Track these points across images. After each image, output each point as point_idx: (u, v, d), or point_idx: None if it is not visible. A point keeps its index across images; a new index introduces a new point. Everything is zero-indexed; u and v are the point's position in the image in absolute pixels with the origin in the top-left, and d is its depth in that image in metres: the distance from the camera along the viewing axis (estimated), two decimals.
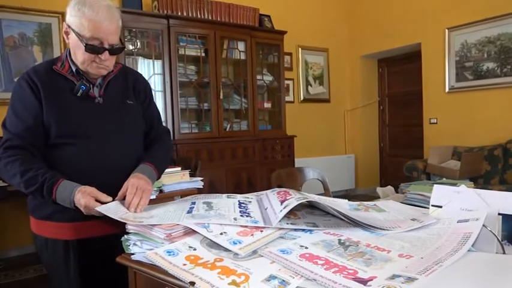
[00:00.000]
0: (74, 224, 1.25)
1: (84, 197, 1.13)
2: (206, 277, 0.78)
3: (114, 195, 1.20)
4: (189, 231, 1.01)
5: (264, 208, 1.18)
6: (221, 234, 0.98)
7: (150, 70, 3.89)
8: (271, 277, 0.77)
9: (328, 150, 5.83)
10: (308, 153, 5.43)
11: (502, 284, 0.72)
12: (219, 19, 4.30)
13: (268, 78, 4.81)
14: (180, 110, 3.99)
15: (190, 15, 4.10)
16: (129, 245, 1.04)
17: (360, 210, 1.24)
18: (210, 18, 4.23)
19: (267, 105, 4.84)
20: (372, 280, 0.73)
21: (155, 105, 1.55)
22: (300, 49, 5.52)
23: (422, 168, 4.23)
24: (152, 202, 1.31)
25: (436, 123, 4.91)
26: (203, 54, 4.20)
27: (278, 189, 1.27)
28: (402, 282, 0.71)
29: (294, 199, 1.08)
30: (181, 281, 0.79)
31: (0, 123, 1.29)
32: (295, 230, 1.05)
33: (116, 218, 1.07)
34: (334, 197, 1.56)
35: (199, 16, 4.16)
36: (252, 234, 0.99)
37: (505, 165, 4.04)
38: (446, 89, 4.74)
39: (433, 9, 4.81)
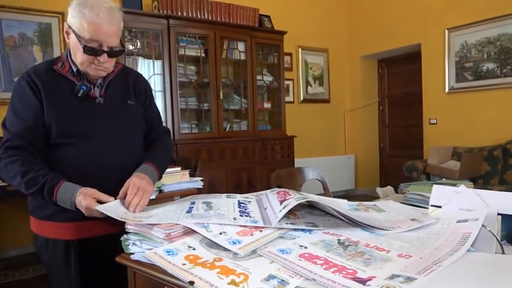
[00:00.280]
0: (75, 223, 1.25)
1: (86, 198, 1.14)
2: (205, 277, 0.78)
3: (114, 195, 1.20)
4: (189, 231, 1.01)
5: (263, 208, 1.18)
6: (220, 234, 0.98)
7: (150, 70, 3.89)
8: (271, 277, 0.77)
9: (328, 150, 5.83)
10: (308, 154, 5.43)
11: (501, 284, 0.72)
12: (219, 19, 4.30)
13: (268, 78, 4.82)
14: (180, 110, 3.99)
15: (190, 15, 4.10)
16: (128, 245, 1.04)
17: (359, 210, 1.24)
18: (210, 18, 4.24)
19: (267, 105, 4.84)
20: (371, 280, 0.73)
21: (155, 106, 1.56)
22: (299, 49, 5.52)
23: (422, 168, 4.23)
24: (152, 202, 1.31)
25: (436, 123, 4.91)
26: (203, 55, 4.20)
27: (278, 189, 1.27)
28: (401, 282, 0.71)
29: (294, 199, 1.08)
30: (180, 280, 0.79)
31: (0, 123, 1.29)
32: (295, 230, 1.05)
33: (116, 218, 1.08)
34: (334, 197, 1.56)
35: (199, 16, 4.17)
36: (252, 234, 0.99)
37: (504, 166, 4.04)
38: (446, 90, 4.75)
39: (433, 9, 4.82)
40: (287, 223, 1.07)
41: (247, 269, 0.81)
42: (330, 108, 5.89)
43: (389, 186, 1.75)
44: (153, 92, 3.75)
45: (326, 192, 2.21)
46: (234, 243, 0.93)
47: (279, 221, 1.04)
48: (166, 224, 1.02)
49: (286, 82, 5.14)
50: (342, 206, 1.27)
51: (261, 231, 1.01)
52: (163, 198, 1.94)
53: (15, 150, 1.19)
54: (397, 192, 1.70)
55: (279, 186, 1.91)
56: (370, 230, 1.04)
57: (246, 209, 1.17)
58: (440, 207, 1.11)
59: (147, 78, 3.78)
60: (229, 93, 4.45)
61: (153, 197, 1.89)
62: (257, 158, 4.46)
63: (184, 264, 0.85)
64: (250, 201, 1.27)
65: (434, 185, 1.16)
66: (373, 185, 5.85)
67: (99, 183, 1.21)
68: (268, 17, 4.86)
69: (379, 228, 1.03)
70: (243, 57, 4.47)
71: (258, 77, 4.64)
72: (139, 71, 3.76)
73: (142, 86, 1.48)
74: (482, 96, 4.42)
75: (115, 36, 1.24)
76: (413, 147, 5.40)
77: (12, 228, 3.43)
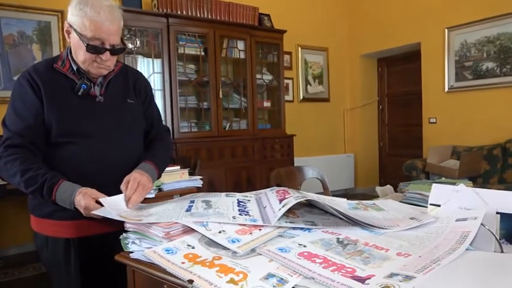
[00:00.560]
0: (75, 222, 1.26)
1: (85, 198, 1.14)
2: (204, 275, 0.78)
3: (114, 194, 1.20)
4: (188, 230, 1.01)
5: (262, 207, 1.18)
6: (220, 232, 0.98)
7: (149, 69, 3.89)
8: (270, 275, 0.77)
9: (328, 149, 5.83)
10: (307, 153, 5.44)
11: (500, 283, 0.72)
12: (218, 18, 4.29)
13: (267, 77, 4.81)
14: (180, 109, 3.99)
15: (189, 14, 4.10)
16: (127, 243, 1.04)
17: (359, 209, 1.25)
18: (209, 17, 4.23)
19: (267, 104, 4.84)
20: (370, 278, 0.73)
21: (155, 104, 1.56)
22: (299, 48, 5.51)
23: (421, 167, 4.23)
24: (151, 201, 1.31)
25: (436, 122, 4.91)
26: (203, 53, 4.19)
27: (277, 188, 1.27)
28: (400, 281, 0.71)
29: (293, 198, 1.08)
30: (179, 279, 0.79)
31: (0, 121, 1.29)
32: (294, 228, 1.05)
33: (115, 218, 1.08)
34: (333, 196, 1.56)
35: (198, 15, 4.16)
36: (251, 233, 0.99)
37: (504, 165, 4.05)
38: (446, 89, 4.75)
39: (432, 8, 4.81)
40: (286, 222, 1.07)
41: (246, 268, 0.81)
42: (329, 107, 5.89)
43: (388, 185, 1.75)
44: (153, 91, 3.76)
45: (325, 191, 2.21)
46: (233, 241, 0.93)
47: (278, 219, 1.04)
48: (166, 222, 1.02)
49: (286, 81, 5.14)
50: (341, 205, 1.27)
51: (260, 229, 1.01)
52: (162, 196, 1.94)
53: (15, 148, 1.19)
54: (396, 191, 1.70)
55: (278, 185, 1.91)
56: (369, 228, 1.04)
57: (245, 208, 1.18)
58: (439, 206, 1.11)
59: (146, 76, 3.77)
60: (228, 92, 4.45)
61: (152, 195, 1.89)
62: (257, 156, 4.46)
63: (183, 262, 0.85)
64: (249, 200, 1.27)
65: (433, 184, 1.16)
66: (372, 184, 5.85)
67: (99, 181, 1.21)
68: (268, 15, 4.85)
69: (378, 227, 1.03)
70: (242, 56, 4.47)
71: (258, 76, 4.64)
72: (138, 69, 3.77)
73: (142, 85, 1.48)
74: (482, 96, 4.42)
75: (116, 34, 1.25)
76: (412, 146, 5.40)
77: (11, 226, 3.43)
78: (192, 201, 1.23)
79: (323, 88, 5.82)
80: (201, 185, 2.13)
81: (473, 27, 4.43)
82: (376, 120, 6.16)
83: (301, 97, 5.57)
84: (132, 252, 1.00)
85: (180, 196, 1.69)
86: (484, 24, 4.34)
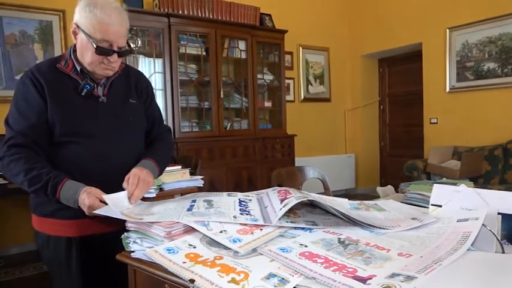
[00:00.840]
0: (77, 221, 1.26)
1: (89, 197, 1.15)
2: (206, 275, 0.78)
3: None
4: (189, 229, 1.02)
5: (264, 206, 1.19)
6: (221, 232, 0.98)
7: (150, 68, 3.89)
8: (271, 275, 0.77)
9: (329, 149, 5.83)
10: (308, 153, 5.44)
11: (501, 283, 0.72)
12: (219, 18, 4.29)
13: (268, 77, 4.81)
14: (181, 109, 3.99)
15: (191, 13, 4.10)
16: (129, 243, 1.04)
17: (360, 209, 1.25)
18: (210, 17, 4.23)
19: (268, 104, 4.84)
20: (371, 279, 0.73)
21: (156, 104, 1.57)
22: (300, 48, 5.51)
23: (422, 168, 4.23)
24: (152, 200, 1.31)
25: (437, 123, 4.90)
26: (204, 53, 4.19)
27: (279, 188, 1.28)
28: (401, 281, 0.71)
29: (294, 198, 1.08)
30: (181, 278, 0.80)
31: (1, 120, 1.30)
32: (295, 228, 1.05)
33: (117, 217, 1.08)
34: (334, 196, 1.56)
35: (200, 15, 4.16)
36: (252, 233, 0.99)
37: (505, 165, 4.04)
38: (447, 89, 4.74)
39: (434, 9, 4.81)
40: (287, 221, 1.07)
41: (247, 267, 0.81)
42: (330, 107, 5.88)
43: (389, 186, 1.75)
44: (154, 91, 3.76)
45: (326, 191, 2.21)
46: (235, 241, 0.93)
47: (279, 219, 1.04)
48: (167, 222, 1.02)
49: (287, 81, 5.14)
50: (343, 205, 1.27)
51: (261, 229, 1.02)
52: (163, 196, 1.94)
53: (18, 148, 1.20)
54: (397, 192, 1.70)
55: (279, 185, 1.91)
56: (370, 229, 1.04)
57: (246, 207, 1.18)
58: (440, 206, 1.11)
59: (147, 76, 3.78)
60: (229, 91, 4.45)
61: (153, 195, 1.90)
62: (257, 156, 4.46)
63: (184, 262, 0.85)
64: (251, 200, 1.27)
65: (434, 185, 1.16)
66: (373, 184, 5.85)
67: (101, 181, 1.22)
68: (269, 15, 4.85)
69: (379, 228, 1.03)
70: (243, 55, 4.47)
71: (259, 76, 4.63)
72: (140, 69, 3.76)
73: (144, 85, 1.49)
74: (483, 96, 4.41)
75: (124, 36, 1.27)
76: (413, 146, 5.39)
77: (13, 226, 3.43)
78: (194, 201, 1.24)
79: (324, 88, 5.82)
80: (202, 185, 2.14)
81: (475, 28, 4.43)
82: (377, 120, 6.15)
83: (302, 97, 5.57)
84: (133, 251, 1.00)
85: (181, 196, 1.70)
86: (485, 24, 4.33)
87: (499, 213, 0.94)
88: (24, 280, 2.93)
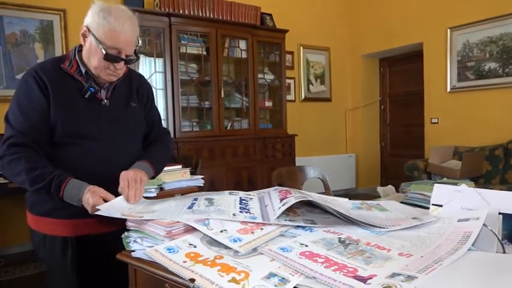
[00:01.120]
0: (73, 221, 1.26)
1: (94, 196, 1.15)
2: (206, 274, 0.78)
3: (116, 195, 1.21)
4: (190, 229, 1.02)
5: (264, 205, 1.19)
6: (221, 231, 0.98)
7: (151, 68, 3.89)
8: (271, 275, 0.77)
9: (329, 149, 5.82)
10: (309, 152, 5.43)
11: (502, 283, 0.72)
12: (220, 17, 4.29)
13: (269, 77, 4.81)
14: (181, 108, 3.99)
15: (191, 13, 4.10)
16: (129, 242, 1.04)
17: (362, 209, 1.24)
18: (211, 16, 4.23)
19: (268, 104, 4.84)
20: (371, 278, 0.73)
21: (156, 108, 1.58)
22: (301, 48, 5.51)
23: (423, 167, 4.22)
24: (152, 199, 1.31)
25: (437, 123, 4.90)
26: (204, 53, 4.19)
27: (280, 188, 1.28)
28: (402, 281, 0.71)
29: (294, 197, 1.08)
30: (181, 278, 0.80)
31: (1, 120, 1.29)
32: (296, 228, 1.05)
33: (118, 216, 1.08)
34: (334, 196, 1.56)
35: (200, 14, 4.16)
36: (252, 232, 0.99)
37: (506, 165, 4.04)
38: (448, 89, 4.74)
39: (435, 8, 4.80)
40: (286, 220, 1.07)
41: (247, 267, 0.81)
42: (331, 107, 5.88)
43: (390, 186, 1.75)
44: (155, 90, 3.76)
45: (327, 191, 2.21)
46: (235, 241, 0.93)
47: (278, 217, 1.04)
48: (168, 221, 1.02)
49: (288, 81, 5.14)
50: (344, 205, 1.27)
51: (261, 229, 1.01)
52: (164, 195, 1.94)
53: (18, 147, 1.19)
54: (398, 192, 1.70)
55: (280, 185, 1.91)
56: (370, 228, 1.04)
57: (246, 206, 1.18)
58: (441, 206, 1.11)
59: (148, 76, 3.81)
60: (230, 91, 4.45)
61: (154, 194, 1.90)
62: (258, 156, 4.46)
63: (185, 261, 0.85)
64: (251, 198, 1.28)
65: (435, 184, 1.16)
66: (374, 184, 5.84)
67: (101, 183, 1.22)
68: (270, 15, 4.85)
69: (379, 227, 1.03)
70: (244, 55, 4.47)
71: (260, 76, 4.63)
72: (140, 69, 3.78)
73: (145, 89, 1.50)
74: (484, 96, 4.41)
75: (133, 45, 1.28)
76: (414, 146, 5.39)
77: (13, 225, 3.43)
78: (195, 199, 1.24)
79: (325, 88, 5.81)
80: (202, 184, 2.14)
81: (476, 27, 4.42)
82: (378, 120, 6.15)
83: (303, 97, 5.57)
84: (133, 251, 1.00)
85: (182, 195, 1.70)
86: (486, 24, 4.33)
87: (499, 213, 0.94)
88: (24, 279, 2.94)
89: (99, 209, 1.12)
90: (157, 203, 1.22)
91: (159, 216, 1.05)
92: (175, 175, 2.10)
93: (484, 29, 4.36)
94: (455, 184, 1.23)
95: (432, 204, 1.14)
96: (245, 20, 4.49)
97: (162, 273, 0.86)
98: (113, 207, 1.14)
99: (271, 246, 0.91)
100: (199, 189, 2.07)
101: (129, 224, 1.07)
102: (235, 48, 4.43)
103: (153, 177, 1.43)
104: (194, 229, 1.00)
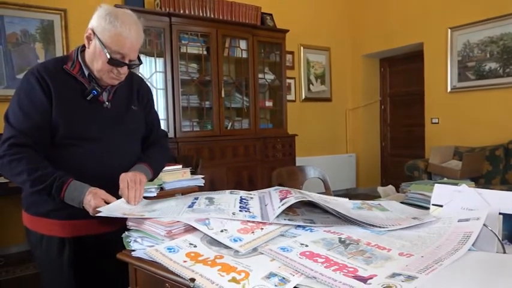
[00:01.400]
0: (70, 221, 1.26)
1: (95, 198, 1.15)
2: (206, 274, 0.78)
3: (116, 197, 1.21)
4: (190, 228, 1.02)
5: (264, 204, 1.19)
6: (222, 231, 0.98)
7: (151, 68, 3.89)
8: (271, 274, 0.77)
9: (330, 149, 5.82)
10: (309, 152, 5.43)
11: (502, 284, 0.72)
12: (221, 17, 4.29)
13: (269, 76, 4.81)
14: (182, 108, 3.99)
15: (192, 13, 4.10)
16: (129, 242, 1.04)
17: (363, 209, 1.25)
18: (212, 16, 4.23)
19: (269, 103, 4.84)
20: (372, 278, 0.73)
21: (155, 111, 1.59)
22: (301, 48, 5.51)
23: (423, 167, 4.22)
24: (153, 199, 1.32)
25: (438, 123, 4.90)
26: (205, 53, 4.19)
27: (281, 188, 1.28)
28: (402, 281, 0.71)
29: (294, 197, 1.08)
30: (181, 277, 0.80)
31: (1, 120, 1.29)
32: (296, 228, 1.05)
33: (119, 216, 1.08)
34: (335, 196, 1.56)
35: (201, 14, 4.16)
36: (253, 232, 0.99)
37: (506, 166, 4.03)
38: (448, 89, 4.73)
39: (435, 8, 4.80)
40: (285, 219, 1.07)
41: (248, 267, 0.81)
42: (331, 107, 5.88)
43: (390, 186, 1.75)
44: (155, 90, 3.77)
45: (327, 191, 2.21)
46: (235, 240, 0.93)
47: (277, 217, 1.04)
48: (168, 221, 1.02)
49: (288, 80, 5.14)
50: (345, 205, 1.27)
51: (262, 229, 1.01)
52: (164, 195, 1.94)
53: (19, 147, 1.19)
54: (398, 192, 1.70)
55: (280, 185, 1.91)
56: (370, 228, 1.04)
57: (246, 205, 1.18)
58: (441, 206, 1.11)
59: (148, 76, 3.81)
60: (230, 91, 4.45)
61: (154, 194, 1.90)
62: (258, 156, 4.46)
63: (185, 261, 0.85)
64: (252, 198, 1.28)
65: (435, 184, 1.16)
66: (374, 184, 5.84)
67: (101, 185, 1.22)
68: (271, 15, 4.85)
69: (379, 227, 1.03)
70: (244, 55, 4.47)
71: (260, 76, 4.63)
72: (141, 68, 3.78)
73: (145, 92, 1.51)
74: (485, 96, 4.41)
75: (137, 50, 1.28)
76: (414, 146, 5.39)
77: (13, 224, 3.43)
78: (196, 198, 1.25)
79: (325, 88, 5.81)
80: (202, 184, 2.14)
81: (476, 28, 4.42)
82: (378, 120, 6.15)
83: (303, 97, 5.57)
84: (134, 250, 1.00)
85: (182, 195, 1.70)
86: (487, 24, 4.32)
87: (500, 214, 0.94)
88: (24, 279, 2.94)
89: (100, 211, 1.12)
90: (157, 203, 1.22)
91: (160, 215, 1.05)
92: (175, 175, 2.10)
93: (484, 29, 4.36)
94: (456, 184, 1.23)
95: (432, 204, 1.14)
96: (245, 19, 4.49)
97: (162, 272, 0.86)
98: (114, 209, 1.14)
99: (272, 246, 0.91)
100: (200, 189, 2.07)
101: (129, 223, 1.07)
102: (235, 48, 4.43)
103: (151, 180, 1.44)
104: (194, 229, 1.01)
